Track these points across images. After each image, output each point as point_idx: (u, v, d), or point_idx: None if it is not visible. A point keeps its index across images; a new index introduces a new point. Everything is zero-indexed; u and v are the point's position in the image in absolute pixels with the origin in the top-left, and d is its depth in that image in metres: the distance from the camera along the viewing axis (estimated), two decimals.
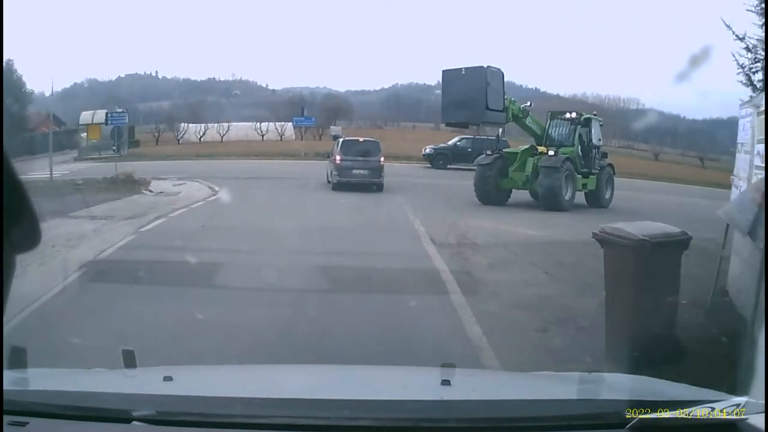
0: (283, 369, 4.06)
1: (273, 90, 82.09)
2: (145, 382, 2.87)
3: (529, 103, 22.02)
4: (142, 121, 60.09)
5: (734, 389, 2.46)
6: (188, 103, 65.10)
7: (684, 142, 76.36)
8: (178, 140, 53.81)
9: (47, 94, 45.11)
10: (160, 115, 61.16)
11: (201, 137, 53.87)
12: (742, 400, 2.25)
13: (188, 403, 2.48)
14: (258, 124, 56.98)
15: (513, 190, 21.45)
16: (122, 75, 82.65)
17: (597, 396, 2.83)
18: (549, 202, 19.64)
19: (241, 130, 55.35)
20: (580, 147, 21.51)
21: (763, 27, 12.03)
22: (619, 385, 3.04)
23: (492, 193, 20.78)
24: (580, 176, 21.08)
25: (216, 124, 55.65)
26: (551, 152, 20.51)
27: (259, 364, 5.39)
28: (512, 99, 20.88)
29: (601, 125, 22.87)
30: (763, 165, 7.36)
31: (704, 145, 61.63)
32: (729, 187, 10.43)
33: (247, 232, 13.52)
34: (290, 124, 52.46)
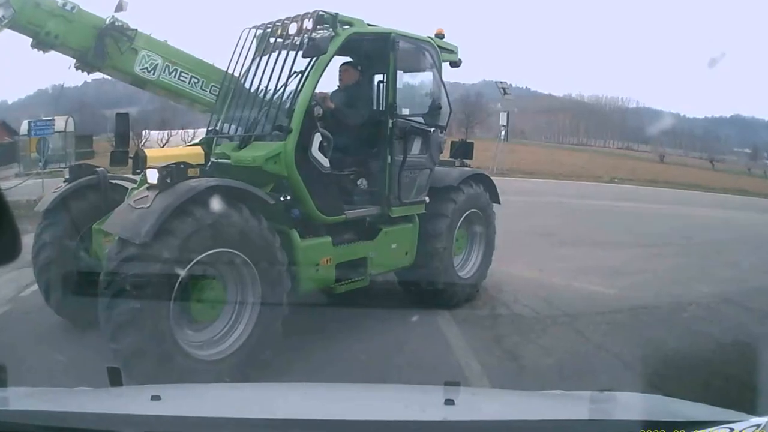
0: (277, 388, 3.97)
1: None
2: (131, 402, 2.85)
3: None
4: (108, 129, 56.36)
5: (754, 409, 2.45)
6: (158, 109, 61.51)
7: (687, 142, 74.03)
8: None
9: (10, 102, 41.67)
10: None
11: (164, 145, 49.80)
12: (762, 420, 2.27)
13: (177, 423, 2.45)
14: None
15: None
16: (89, 80, 79.66)
17: (609, 416, 2.74)
18: None
19: None
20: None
21: None
22: (632, 405, 2.94)
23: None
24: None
25: (181, 131, 51.80)
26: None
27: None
28: None
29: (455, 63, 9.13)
30: None
31: (709, 145, 58.93)
32: None
33: None
34: None
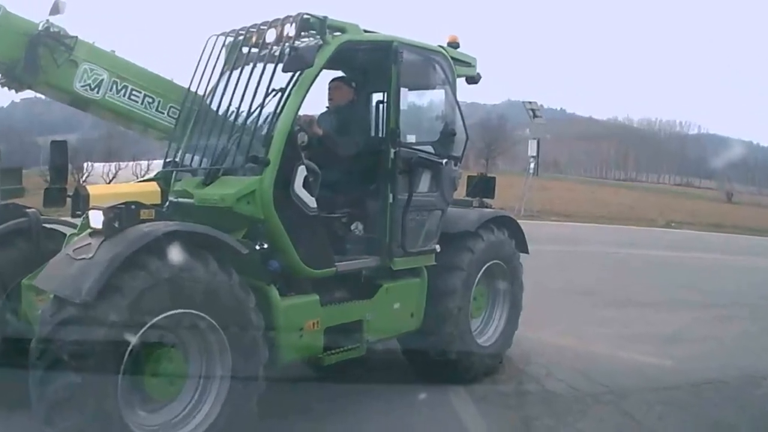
0: None
1: None
2: None
3: None
4: (42, 160, 56.56)
5: None
6: (103, 136, 61.91)
7: (761, 177, 74.49)
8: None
9: None
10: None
11: (111, 180, 50.03)
12: None
13: None
14: None
15: None
16: (17, 100, 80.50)
17: None
18: None
19: None
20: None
21: None
22: None
23: None
24: None
25: (132, 163, 52.10)
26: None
27: None
28: None
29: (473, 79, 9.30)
30: None
31: None
32: None
33: None
34: None
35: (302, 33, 7.13)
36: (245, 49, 7.59)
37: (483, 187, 10.07)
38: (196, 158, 7.52)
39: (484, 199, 9.77)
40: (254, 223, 6.78)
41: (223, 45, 7.78)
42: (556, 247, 21.33)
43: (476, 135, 73.53)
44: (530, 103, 37.87)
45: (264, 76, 6.91)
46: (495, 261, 9.08)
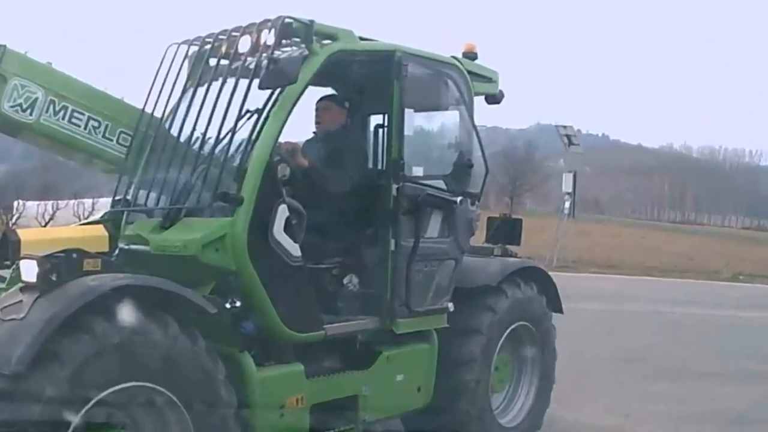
0: None
1: None
2: None
3: None
4: None
5: None
6: (37, 168, 61.96)
7: None
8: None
9: None
10: None
11: (47, 223, 49.97)
12: None
13: None
14: None
15: None
16: None
17: None
18: None
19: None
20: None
21: None
22: None
23: None
24: None
25: (73, 201, 52.06)
26: None
27: None
28: None
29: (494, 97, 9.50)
30: None
31: None
32: None
33: None
34: None
35: (283, 41, 7.09)
36: (213, 61, 7.54)
37: (507, 231, 10.05)
38: (153, 195, 7.44)
39: (508, 246, 9.75)
40: (224, 276, 6.71)
41: (186, 56, 7.75)
42: (596, 306, 21.32)
43: (498, 167, 73.78)
44: (565, 127, 37.81)
45: (236, 95, 6.85)
46: (521, 323, 9.06)
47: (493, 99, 9.05)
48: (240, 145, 6.83)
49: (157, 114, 7.69)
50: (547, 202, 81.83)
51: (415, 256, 7.79)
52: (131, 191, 7.62)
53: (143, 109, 7.79)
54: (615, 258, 41.73)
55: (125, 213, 7.57)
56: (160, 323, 5.84)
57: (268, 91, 6.79)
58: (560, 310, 9.64)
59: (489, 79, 8.93)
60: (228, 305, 6.63)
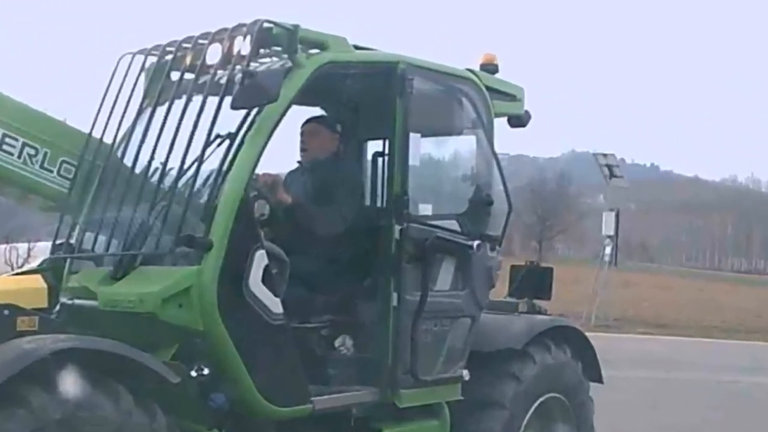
0: None
1: None
2: None
3: None
4: None
5: None
6: None
7: None
8: None
9: None
10: None
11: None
12: None
13: None
14: None
15: None
16: None
17: None
18: None
19: None
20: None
21: None
22: None
23: None
24: None
25: (5, 246, 51.96)
26: None
27: None
28: None
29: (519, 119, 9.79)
30: None
31: None
32: None
33: None
34: None
35: (261, 50, 7.06)
36: (175, 75, 7.48)
37: (534, 282, 10.00)
38: (102, 239, 7.42)
39: (536, 301, 9.71)
40: (189, 337, 6.67)
41: (143, 68, 7.72)
42: (643, 373, 21.31)
43: (524, 204, 73.88)
44: (605, 155, 37.78)
45: (204, 115, 6.79)
46: (552, 394, 9.03)
47: (518, 121, 8.96)
48: (208, 177, 6.81)
49: (107, 139, 7.64)
50: (584, 247, 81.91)
51: (422, 314, 7.73)
52: (75, 234, 7.59)
53: (90, 133, 7.74)
54: (666, 315, 41.69)
55: (68, 260, 7.54)
56: (110, 395, 5.80)
57: (243, 112, 6.75)
58: (599, 379, 9.63)
59: (513, 97, 8.84)
60: (194, 373, 6.53)
